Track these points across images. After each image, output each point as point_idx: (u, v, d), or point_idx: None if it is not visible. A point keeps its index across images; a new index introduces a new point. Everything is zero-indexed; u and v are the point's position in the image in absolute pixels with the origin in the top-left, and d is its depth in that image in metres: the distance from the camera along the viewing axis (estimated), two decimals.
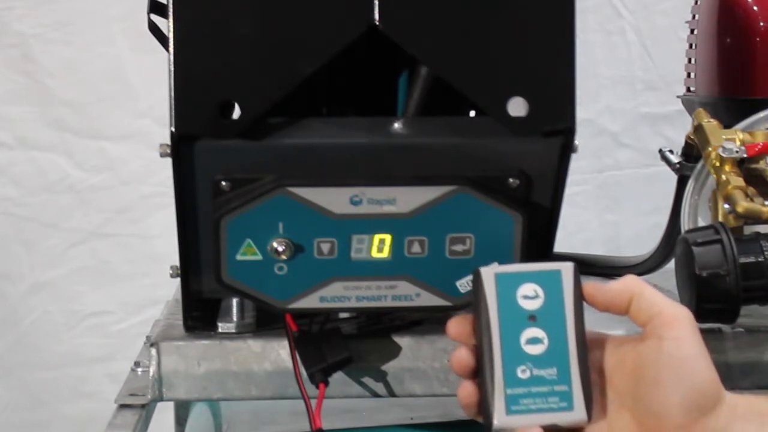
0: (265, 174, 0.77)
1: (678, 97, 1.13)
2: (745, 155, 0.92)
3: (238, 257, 0.79)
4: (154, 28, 0.85)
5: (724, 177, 0.91)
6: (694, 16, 1.10)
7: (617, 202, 1.94)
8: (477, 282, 0.71)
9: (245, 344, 0.85)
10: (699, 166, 0.95)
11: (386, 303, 0.80)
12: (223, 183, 0.77)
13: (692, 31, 1.11)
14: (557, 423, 0.70)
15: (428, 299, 0.80)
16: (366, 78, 0.85)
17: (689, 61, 1.11)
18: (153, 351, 0.85)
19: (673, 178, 1.04)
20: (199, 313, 0.86)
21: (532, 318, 0.70)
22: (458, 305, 0.80)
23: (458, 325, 0.72)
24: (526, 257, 0.79)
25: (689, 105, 1.09)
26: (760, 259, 0.81)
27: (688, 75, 1.11)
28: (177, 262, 0.83)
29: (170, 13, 0.76)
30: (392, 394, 0.86)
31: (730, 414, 0.68)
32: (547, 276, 0.71)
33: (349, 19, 0.76)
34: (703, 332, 0.70)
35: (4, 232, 1.86)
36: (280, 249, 0.78)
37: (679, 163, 1.03)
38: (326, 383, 0.81)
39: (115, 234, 1.87)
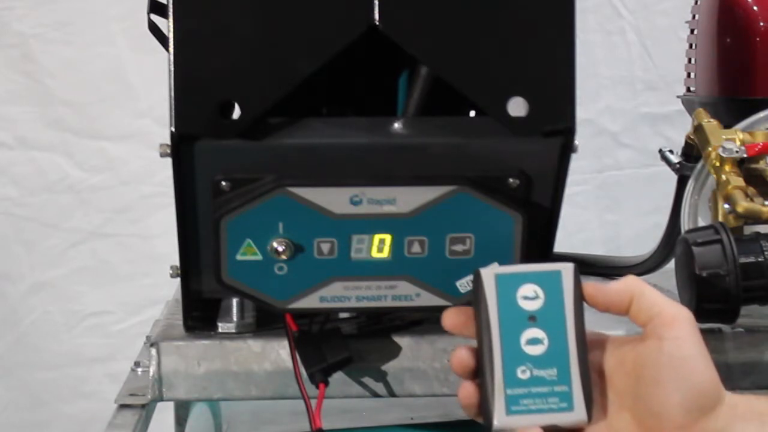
0: (265, 174, 0.77)
1: (678, 97, 1.13)
2: (745, 155, 0.92)
3: (238, 257, 0.79)
4: (154, 28, 0.85)
5: (724, 177, 0.91)
6: (694, 16, 1.10)
7: (617, 202, 1.94)
8: (477, 283, 0.71)
9: (245, 344, 0.85)
10: (699, 166, 0.95)
11: (386, 303, 0.80)
12: (223, 183, 0.77)
13: (692, 31, 1.11)
14: (557, 423, 0.70)
15: (428, 299, 0.80)
16: (366, 78, 0.85)
17: (689, 61, 1.11)
18: (153, 351, 0.85)
19: (673, 178, 1.04)
20: (199, 313, 0.86)
21: (532, 318, 0.70)
22: (458, 305, 0.79)
23: (453, 317, 0.72)
24: (526, 257, 0.79)
25: (689, 105, 1.09)
26: (760, 259, 0.81)
27: (688, 75, 1.11)
28: (177, 262, 0.83)
29: (170, 13, 0.76)
30: (392, 394, 0.86)
31: (730, 414, 0.68)
32: (548, 277, 0.71)
33: (349, 19, 0.76)
34: (703, 332, 0.70)
35: (4, 232, 1.86)
36: (280, 249, 0.78)
37: (679, 163, 1.03)
38: (326, 383, 0.81)
39: (115, 234, 1.87)
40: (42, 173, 1.86)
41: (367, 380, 0.86)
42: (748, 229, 0.89)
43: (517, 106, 0.77)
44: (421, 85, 0.80)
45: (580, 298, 0.71)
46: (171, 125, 0.76)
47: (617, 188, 1.93)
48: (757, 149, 0.92)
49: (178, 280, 0.84)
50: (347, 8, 0.76)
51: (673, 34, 1.65)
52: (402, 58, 0.79)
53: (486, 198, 0.78)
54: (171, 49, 0.75)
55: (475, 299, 0.71)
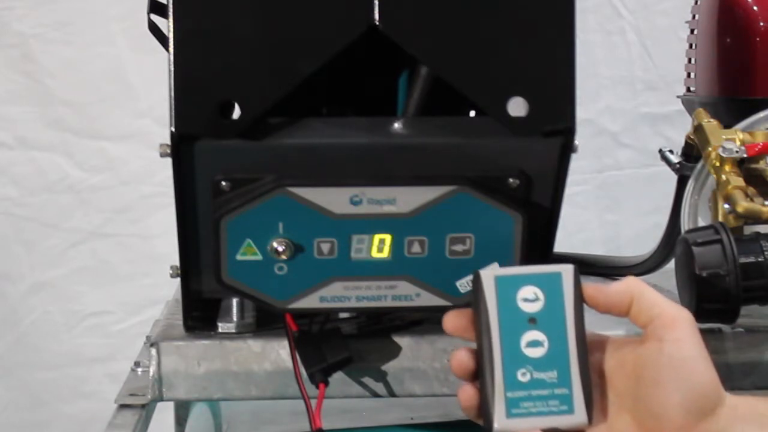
0: (265, 174, 0.77)
1: (678, 97, 1.13)
2: (745, 155, 0.91)
3: (238, 257, 0.79)
4: (154, 28, 0.85)
5: (724, 177, 0.91)
6: (694, 16, 1.10)
7: (617, 202, 1.94)
8: (477, 284, 0.71)
9: (245, 344, 0.85)
10: (699, 166, 0.95)
11: (386, 303, 0.80)
12: (223, 183, 0.77)
13: (692, 31, 1.11)
14: (558, 426, 0.70)
15: (428, 299, 0.80)
16: (366, 78, 0.85)
17: (689, 61, 1.11)
18: (153, 351, 0.85)
19: (673, 178, 1.04)
20: (199, 313, 0.86)
21: (532, 321, 0.70)
22: (458, 305, 0.79)
23: (454, 320, 0.72)
24: (526, 257, 0.79)
25: (689, 105, 1.09)
26: (760, 259, 0.81)
27: (688, 75, 1.11)
28: (177, 262, 0.83)
29: (170, 13, 0.76)
30: (392, 394, 0.86)
31: (731, 415, 0.68)
32: (547, 278, 0.71)
33: (349, 19, 0.76)
34: (703, 332, 0.70)
35: (4, 232, 1.86)
36: (280, 249, 0.78)
37: (679, 163, 1.03)
38: (326, 383, 0.81)
39: (115, 234, 1.87)
40: (42, 173, 1.86)
41: (367, 380, 0.86)
42: (748, 229, 0.89)
43: (517, 106, 0.77)
44: (421, 85, 0.80)
45: (580, 300, 0.71)
46: (171, 125, 0.76)
47: (617, 188, 1.93)
48: (757, 149, 0.92)
49: (178, 280, 0.84)
50: (347, 8, 0.76)
51: (673, 34, 1.65)
52: (402, 58, 0.79)
53: (486, 198, 0.78)
54: (171, 49, 0.75)
55: (474, 301, 0.71)
